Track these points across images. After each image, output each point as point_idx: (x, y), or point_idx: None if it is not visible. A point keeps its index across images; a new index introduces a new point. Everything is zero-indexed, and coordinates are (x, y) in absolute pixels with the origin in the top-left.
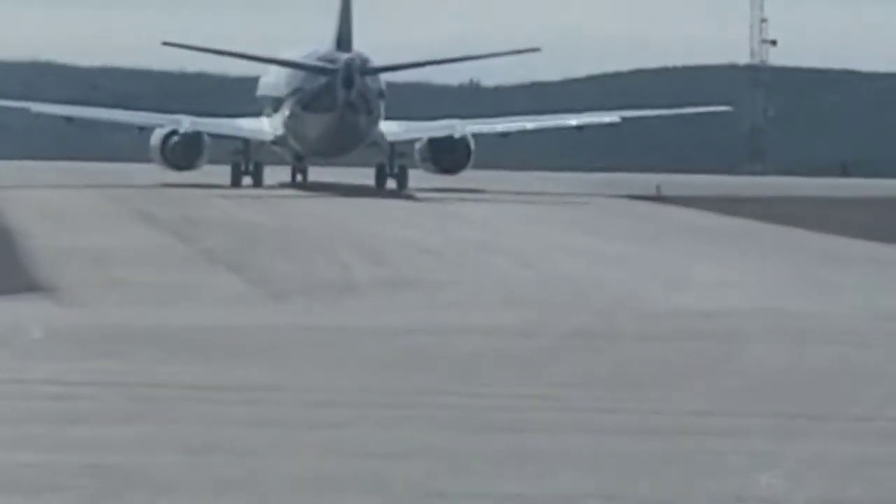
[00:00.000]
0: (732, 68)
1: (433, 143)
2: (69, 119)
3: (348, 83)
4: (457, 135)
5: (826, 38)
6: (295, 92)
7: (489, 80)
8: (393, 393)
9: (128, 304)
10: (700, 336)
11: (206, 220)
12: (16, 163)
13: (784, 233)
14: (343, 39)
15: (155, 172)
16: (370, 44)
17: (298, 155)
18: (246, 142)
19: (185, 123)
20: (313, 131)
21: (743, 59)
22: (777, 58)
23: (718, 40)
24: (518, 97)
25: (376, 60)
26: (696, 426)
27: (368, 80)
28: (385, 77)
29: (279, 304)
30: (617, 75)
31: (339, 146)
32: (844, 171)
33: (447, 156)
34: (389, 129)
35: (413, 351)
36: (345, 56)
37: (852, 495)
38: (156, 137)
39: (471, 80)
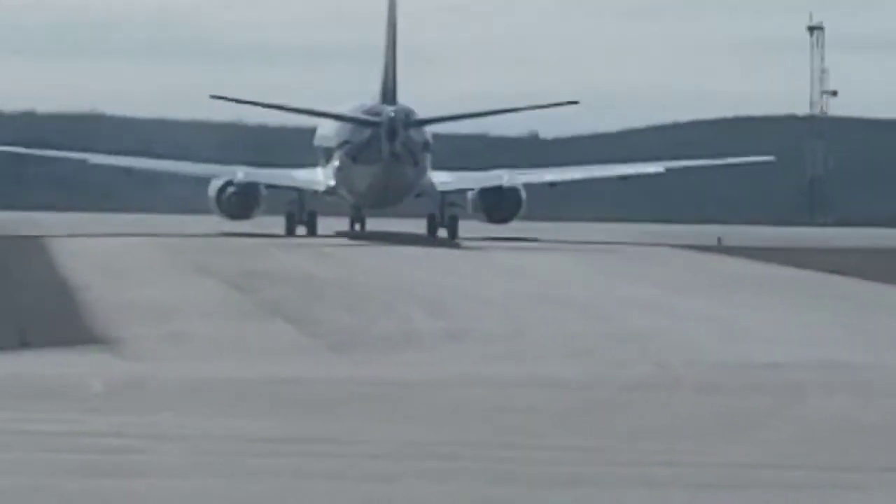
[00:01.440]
0: (792, 119)
1: (484, 192)
2: (128, 171)
3: (392, 135)
4: (506, 184)
5: (887, 87)
6: (343, 144)
7: (548, 132)
8: (448, 445)
9: (186, 358)
10: (756, 388)
11: (262, 272)
12: (74, 215)
13: (844, 283)
14: (388, 92)
15: (212, 223)
16: (420, 96)
17: (356, 204)
18: (300, 192)
19: (240, 174)
20: (361, 182)
21: (803, 109)
22: (837, 108)
23: (778, 92)
24: (577, 148)
25: (423, 113)
26: (745, 478)
27: (413, 132)
28: (444, 128)
29: (338, 356)
30: (675, 126)
31: (387, 197)
32: None
33: (498, 205)
34: (440, 178)
35: (470, 403)
36: (389, 109)
37: None
38: (212, 188)
39: (529, 132)
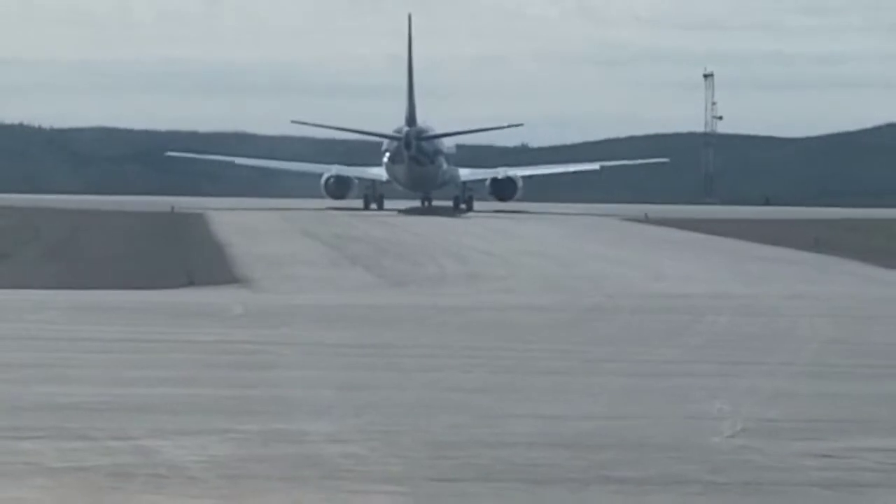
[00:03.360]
0: (693, 134)
1: (493, 182)
2: (262, 169)
3: (408, 145)
4: (502, 176)
5: (755, 113)
6: (386, 151)
7: (534, 143)
8: (471, 348)
9: (298, 292)
10: (672, 310)
11: (348, 236)
12: (223, 199)
13: (727, 242)
14: (409, 118)
15: (320, 203)
16: (443, 119)
17: (403, 189)
18: (372, 181)
19: (334, 170)
20: (397, 175)
21: (699, 128)
22: (722, 127)
23: (684, 116)
24: (551, 154)
25: (439, 130)
26: (666, 370)
27: (424, 143)
28: (465, 140)
29: (397, 289)
30: (617, 140)
31: (416, 184)
32: (766, 202)
33: (503, 190)
34: (462, 173)
35: (484, 321)
36: (407, 129)
37: (773, 415)
38: (322, 179)
39: (522, 143)
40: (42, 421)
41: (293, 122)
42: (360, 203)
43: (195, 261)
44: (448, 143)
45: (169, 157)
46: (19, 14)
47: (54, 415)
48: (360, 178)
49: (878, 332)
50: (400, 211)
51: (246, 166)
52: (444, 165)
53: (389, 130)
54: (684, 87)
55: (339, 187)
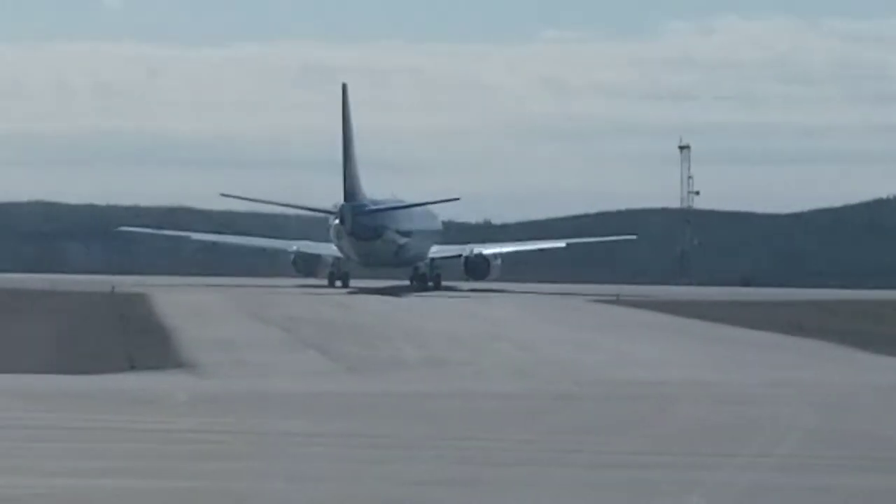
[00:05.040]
0: (667, 210)
1: (467, 260)
2: (214, 244)
3: (343, 221)
4: (470, 254)
5: (733, 189)
6: (330, 227)
7: (497, 220)
8: (431, 438)
9: (247, 377)
10: (643, 398)
11: (300, 317)
12: (169, 277)
13: (702, 325)
14: (348, 192)
15: (279, 281)
16: (407, 192)
17: (359, 265)
18: (336, 258)
19: (296, 246)
20: (347, 252)
21: (675, 204)
22: (699, 203)
23: (658, 192)
24: (519, 231)
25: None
26: (636, 461)
27: (364, 218)
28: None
29: (353, 375)
30: (587, 216)
31: (368, 261)
32: (745, 282)
33: (475, 267)
34: (432, 250)
35: (444, 409)
36: (342, 204)
37: None
38: (290, 256)
39: (485, 220)
40: None
41: (222, 195)
42: (324, 281)
43: (137, 344)
44: (420, 218)
45: (109, 231)
46: None
47: None
48: (325, 255)
49: (862, 421)
50: (361, 290)
51: (197, 242)
52: (401, 240)
53: (330, 206)
54: (659, 161)
55: (308, 264)
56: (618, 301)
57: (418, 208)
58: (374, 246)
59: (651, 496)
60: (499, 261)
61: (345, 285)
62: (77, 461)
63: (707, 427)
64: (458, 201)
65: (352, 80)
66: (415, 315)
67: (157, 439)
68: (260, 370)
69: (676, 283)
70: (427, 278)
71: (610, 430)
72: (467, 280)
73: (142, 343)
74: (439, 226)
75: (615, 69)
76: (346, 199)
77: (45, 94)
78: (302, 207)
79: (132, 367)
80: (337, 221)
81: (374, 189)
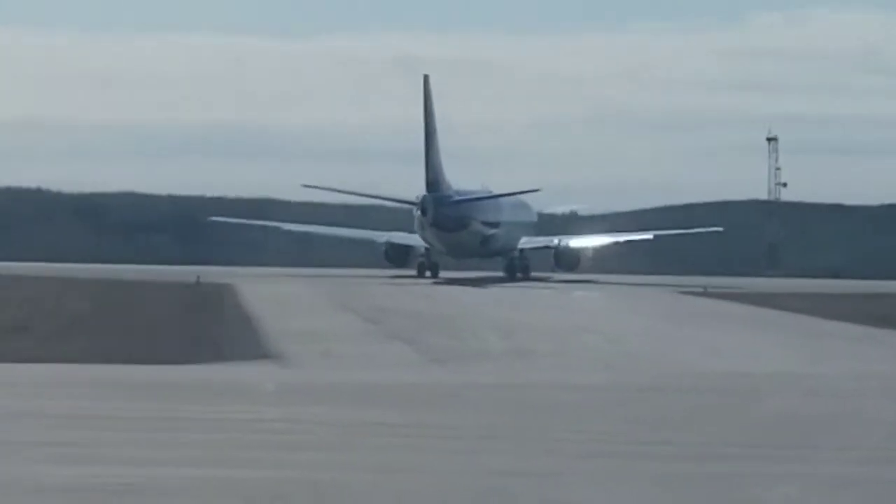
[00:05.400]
0: (756, 202)
1: (557, 251)
2: (307, 234)
3: (424, 212)
4: (558, 246)
5: (821, 180)
6: (415, 219)
7: (584, 211)
8: (515, 429)
9: (333, 368)
10: (730, 390)
11: (386, 308)
12: (256, 268)
13: (790, 317)
14: (430, 182)
15: (369, 272)
16: (498, 183)
17: (447, 256)
18: (426, 249)
19: (387, 237)
20: (432, 243)
21: (762, 195)
22: (787, 195)
23: (746, 183)
24: (604, 223)
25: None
26: (722, 453)
27: (447, 209)
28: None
29: (439, 367)
30: (674, 207)
31: (454, 252)
32: (834, 275)
33: (564, 259)
34: (522, 241)
35: (529, 400)
36: (424, 195)
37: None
38: (382, 247)
39: (571, 210)
40: (60, 503)
41: (304, 186)
42: (414, 272)
43: (223, 334)
44: (510, 209)
45: (196, 223)
46: (41, 75)
47: (78, 497)
48: (416, 246)
49: None
50: (447, 281)
51: (283, 233)
52: (488, 231)
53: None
54: (746, 153)
55: (399, 254)
56: (705, 293)
57: (509, 199)
58: (459, 237)
59: (737, 489)
60: (589, 252)
61: (434, 276)
62: (163, 451)
63: (794, 419)
64: (542, 192)
65: (439, 71)
66: (501, 306)
67: (244, 429)
68: (346, 361)
69: (764, 276)
70: (517, 269)
71: (696, 422)
72: (557, 272)
73: (228, 333)
74: (533, 217)
75: (703, 60)
76: (428, 189)
77: (135, 85)
78: (385, 198)
79: (219, 358)
80: (419, 213)
81: (463, 180)
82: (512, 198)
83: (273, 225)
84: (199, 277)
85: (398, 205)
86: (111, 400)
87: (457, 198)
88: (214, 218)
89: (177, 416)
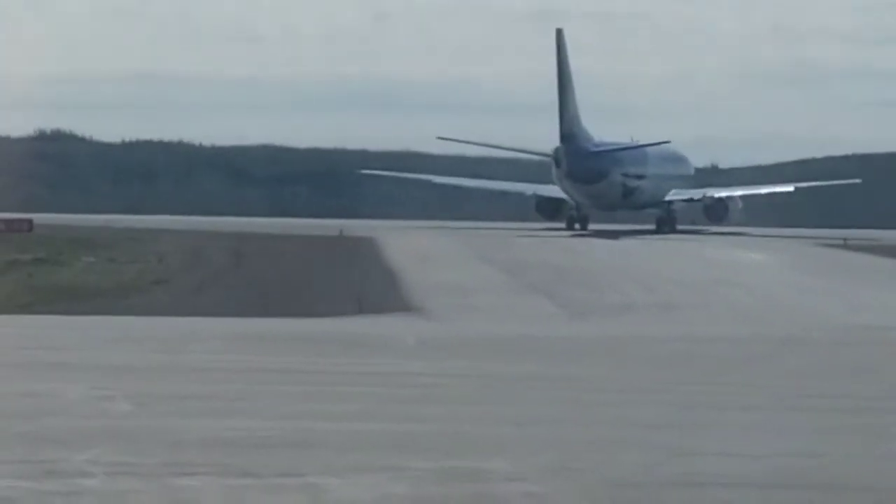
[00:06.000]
0: (894, 155)
1: (706, 204)
2: (454, 187)
3: (558, 163)
4: (703, 198)
5: None
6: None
7: (725, 163)
8: (658, 382)
9: (473, 321)
10: (872, 343)
11: (527, 261)
12: (400, 221)
13: None
14: (565, 134)
15: (516, 224)
16: (634, 137)
17: (592, 207)
18: (576, 202)
19: (532, 189)
20: (572, 195)
21: None
22: None
23: (886, 135)
24: (745, 175)
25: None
26: (865, 406)
27: (586, 160)
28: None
29: (578, 320)
30: (814, 160)
31: (597, 204)
32: None
33: (714, 211)
34: (669, 193)
35: (671, 353)
36: (558, 146)
37: None
38: (534, 199)
39: (712, 163)
40: (206, 456)
41: (439, 138)
42: (563, 224)
43: (365, 287)
44: (658, 161)
45: (337, 176)
46: (181, 30)
47: (218, 450)
48: (567, 199)
49: None
50: (594, 233)
51: (427, 186)
52: (632, 183)
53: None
54: (886, 105)
55: (550, 207)
56: (845, 245)
57: (658, 151)
58: (598, 188)
59: (877, 441)
60: (740, 204)
61: (583, 228)
62: (305, 404)
63: None
64: (686, 145)
65: (580, 25)
66: (641, 259)
67: (386, 383)
68: (487, 314)
69: None
70: (664, 222)
71: (838, 375)
72: (707, 224)
73: (370, 286)
74: (688, 170)
75: (845, 14)
76: (562, 142)
77: (273, 39)
78: (521, 150)
79: (361, 311)
80: (555, 165)
81: (609, 133)
82: (662, 150)
83: (423, 178)
84: (342, 231)
85: (535, 157)
86: (252, 353)
87: (594, 149)
88: (365, 171)
89: (320, 369)
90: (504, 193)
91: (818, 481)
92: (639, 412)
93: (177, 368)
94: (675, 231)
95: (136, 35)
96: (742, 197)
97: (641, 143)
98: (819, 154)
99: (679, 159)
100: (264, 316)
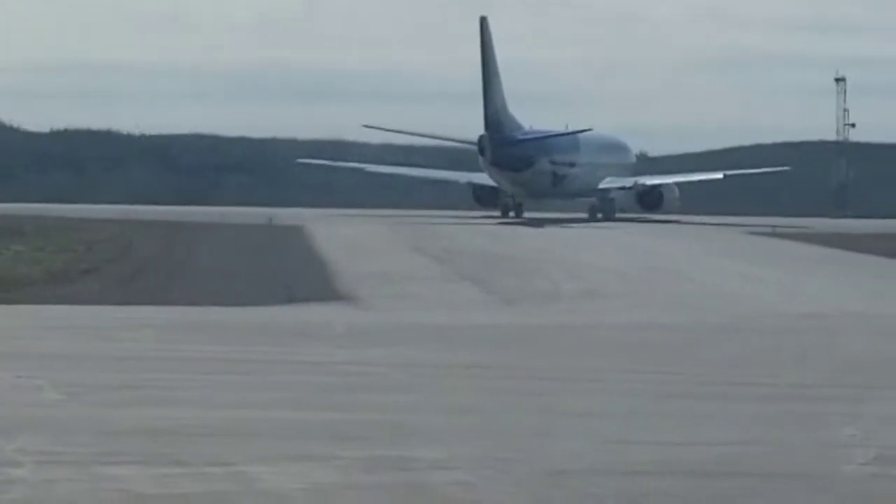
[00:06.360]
0: (824, 143)
1: (639, 192)
2: (391, 175)
3: (482, 151)
4: (634, 186)
5: (890, 121)
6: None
7: (654, 152)
8: (589, 370)
9: (404, 310)
10: (804, 331)
11: (457, 250)
12: (340, 210)
13: (862, 258)
14: (489, 122)
15: (450, 213)
16: (562, 125)
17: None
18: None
19: (465, 178)
20: (501, 183)
21: (830, 136)
22: (856, 136)
23: (815, 124)
24: (674, 163)
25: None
26: (798, 394)
27: (509, 148)
28: None
29: (509, 307)
30: (743, 148)
31: (525, 193)
32: None
33: (648, 199)
34: (603, 181)
35: (601, 341)
36: (481, 134)
37: None
38: (470, 187)
39: (641, 151)
40: (135, 445)
41: (364, 126)
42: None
43: (295, 276)
44: (591, 149)
45: (267, 164)
46: (111, 18)
47: (148, 439)
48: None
49: None
50: (521, 221)
51: (355, 175)
52: (561, 171)
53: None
54: (815, 93)
55: (488, 195)
56: (774, 233)
57: (593, 139)
58: (525, 176)
59: (810, 429)
60: (677, 192)
61: (518, 216)
62: (235, 393)
63: (869, 360)
64: (618, 133)
65: (512, 12)
66: (569, 247)
67: (316, 371)
68: (417, 302)
69: (834, 216)
70: (597, 210)
71: (771, 363)
72: (641, 212)
73: (299, 275)
74: (628, 159)
75: (776, 1)
76: (487, 130)
77: (205, 26)
78: (446, 139)
79: (290, 300)
80: (480, 153)
81: (545, 122)
82: (599, 137)
83: (358, 166)
84: (271, 219)
85: (460, 145)
86: (182, 342)
87: (520, 137)
88: (302, 160)
89: (250, 357)
90: (439, 182)
91: (753, 469)
92: (571, 400)
93: (107, 357)
94: (609, 219)
95: (64, 23)
96: (676, 184)
97: (564, 131)
98: (748, 142)
99: (619, 148)
100: (194, 305)
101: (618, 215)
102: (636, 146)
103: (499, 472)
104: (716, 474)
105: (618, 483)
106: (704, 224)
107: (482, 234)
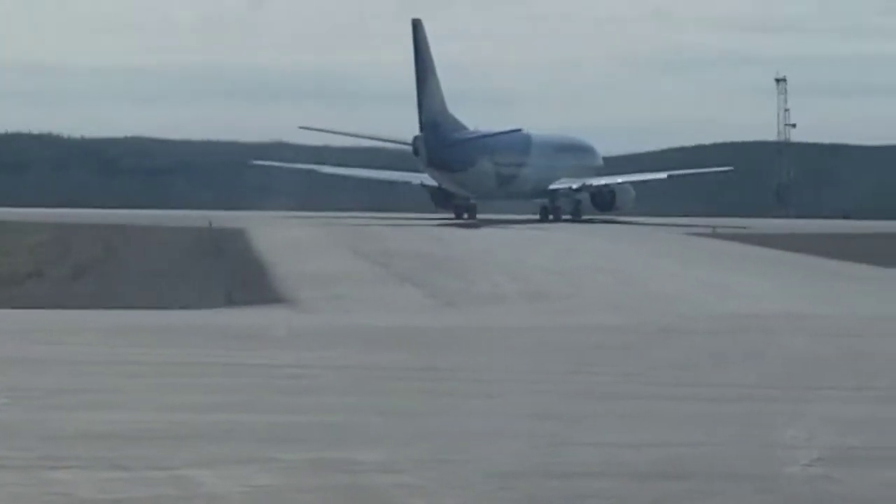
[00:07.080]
0: (765, 143)
1: (592, 193)
2: (344, 178)
3: (416, 152)
4: (582, 186)
5: (831, 121)
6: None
7: (602, 152)
8: (532, 372)
9: (344, 312)
10: (744, 331)
11: (398, 252)
12: (286, 213)
13: (802, 258)
14: (424, 123)
15: (397, 215)
16: (510, 125)
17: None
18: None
19: (418, 179)
20: (442, 184)
21: (771, 136)
22: (797, 136)
23: (755, 124)
24: (620, 164)
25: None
26: (740, 394)
27: (446, 149)
28: None
29: (450, 309)
30: (686, 148)
31: (471, 193)
32: (845, 216)
33: (600, 199)
34: (556, 181)
35: (544, 342)
36: (416, 135)
37: (853, 443)
38: (427, 189)
39: None
40: (77, 450)
41: (301, 128)
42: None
43: (235, 279)
44: (543, 150)
45: (207, 167)
46: (50, 20)
47: (90, 443)
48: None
49: None
50: (462, 223)
51: (298, 176)
52: (506, 171)
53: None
54: (756, 93)
55: (443, 196)
56: (714, 234)
57: (547, 139)
58: (464, 177)
59: (754, 430)
60: (632, 193)
61: (472, 217)
62: (176, 396)
63: (808, 360)
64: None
65: (457, 10)
66: (512, 248)
67: (257, 374)
68: (357, 305)
69: (774, 216)
70: (548, 211)
71: (712, 364)
72: (595, 213)
73: (239, 278)
74: (590, 160)
75: (722, 0)
76: (422, 130)
77: (146, 27)
78: (382, 139)
79: (230, 303)
80: (415, 154)
81: (498, 123)
82: (557, 138)
83: (313, 168)
84: (211, 222)
85: (397, 146)
86: (123, 346)
87: (458, 137)
88: (257, 162)
89: (190, 360)
90: (391, 183)
91: (697, 470)
92: (514, 402)
93: (51, 361)
94: (559, 220)
95: (4, 25)
96: (626, 184)
97: (491, 132)
98: (691, 142)
99: (581, 149)
100: (135, 308)
101: (564, 217)
102: None
103: (443, 474)
104: (660, 475)
105: (561, 484)
106: (647, 224)
107: (422, 235)
